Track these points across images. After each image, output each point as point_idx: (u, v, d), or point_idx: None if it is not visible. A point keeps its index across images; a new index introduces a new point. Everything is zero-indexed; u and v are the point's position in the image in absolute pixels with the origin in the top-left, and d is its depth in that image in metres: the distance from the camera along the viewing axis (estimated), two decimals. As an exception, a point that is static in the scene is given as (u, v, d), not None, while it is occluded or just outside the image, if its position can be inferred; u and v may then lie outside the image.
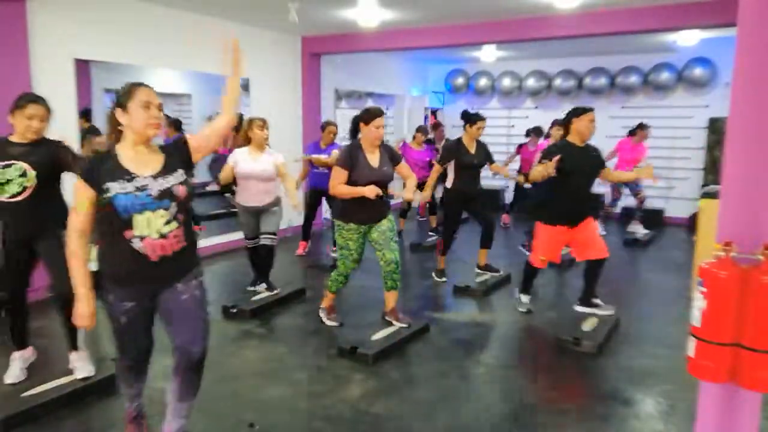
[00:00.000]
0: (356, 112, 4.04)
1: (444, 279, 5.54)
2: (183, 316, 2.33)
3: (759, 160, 1.91)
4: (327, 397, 3.24)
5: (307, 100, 7.82)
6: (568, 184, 4.07)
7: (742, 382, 1.87)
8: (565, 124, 4.25)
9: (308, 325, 4.39)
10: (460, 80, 10.30)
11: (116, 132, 2.26)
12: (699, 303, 1.89)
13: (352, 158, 3.84)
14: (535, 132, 7.77)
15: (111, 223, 2.17)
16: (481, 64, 10.07)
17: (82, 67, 5.50)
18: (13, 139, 3.09)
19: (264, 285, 4.87)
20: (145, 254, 2.19)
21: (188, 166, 2.34)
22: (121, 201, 2.13)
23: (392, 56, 9.41)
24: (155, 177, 2.21)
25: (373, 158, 3.90)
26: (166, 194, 2.20)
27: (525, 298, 4.66)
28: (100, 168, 2.18)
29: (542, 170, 3.93)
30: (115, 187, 2.14)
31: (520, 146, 7.87)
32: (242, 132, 4.68)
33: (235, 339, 4.10)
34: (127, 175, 2.18)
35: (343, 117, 10.51)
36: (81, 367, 3.25)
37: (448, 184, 5.30)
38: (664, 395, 3.28)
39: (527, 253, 5.19)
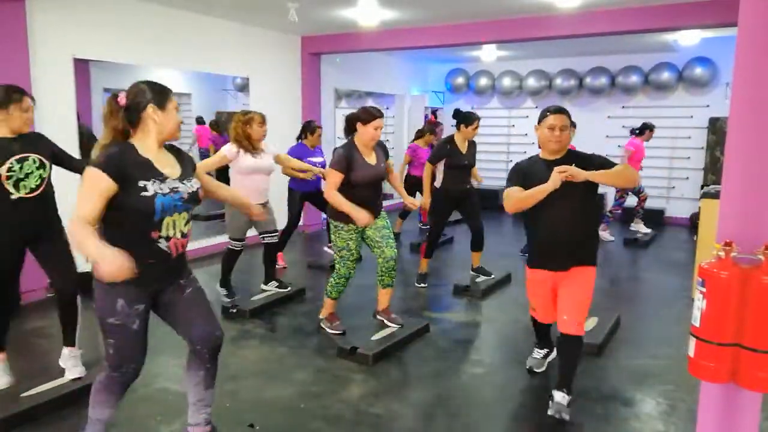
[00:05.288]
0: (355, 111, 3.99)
1: (424, 285, 5.35)
2: (195, 307, 2.38)
3: (759, 160, 1.90)
4: (327, 397, 3.24)
5: (307, 100, 7.82)
6: (538, 211, 2.94)
7: (742, 382, 1.86)
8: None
9: (308, 325, 4.38)
10: (461, 80, 10.30)
11: (126, 129, 2.19)
12: (699, 303, 1.88)
13: (349, 160, 3.76)
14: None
15: (134, 223, 2.13)
16: (482, 64, 10.07)
17: (82, 66, 5.50)
18: (1, 134, 2.96)
19: (274, 283, 4.93)
20: (168, 253, 2.22)
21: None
22: (160, 202, 2.13)
23: (392, 56, 9.41)
24: (181, 180, 2.24)
25: (370, 156, 3.87)
26: (192, 197, 2.27)
27: (536, 353, 3.60)
28: (126, 162, 2.10)
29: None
30: (152, 187, 2.12)
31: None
32: (237, 128, 4.41)
33: (235, 339, 4.10)
34: (160, 176, 2.17)
35: (343, 117, 10.55)
36: (73, 366, 3.25)
37: (437, 184, 5.15)
38: (664, 395, 3.27)
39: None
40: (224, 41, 6.56)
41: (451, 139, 5.11)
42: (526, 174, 2.97)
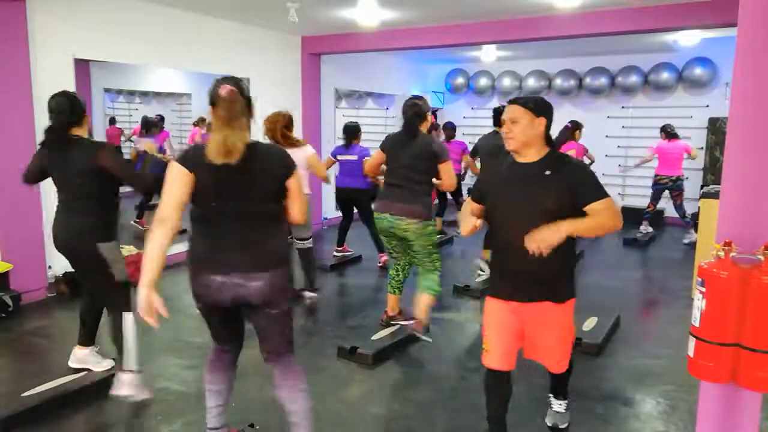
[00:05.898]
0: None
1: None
2: None
3: (759, 160, 1.91)
4: (327, 397, 3.23)
5: (307, 100, 7.82)
6: (494, 224, 2.49)
7: (742, 382, 1.86)
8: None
9: (308, 325, 4.38)
10: (460, 80, 10.29)
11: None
12: (699, 303, 1.88)
13: None
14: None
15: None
16: (481, 64, 10.06)
17: (82, 66, 5.50)
18: None
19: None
20: None
21: None
22: None
23: (392, 56, 9.40)
24: None
25: None
26: None
27: None
28: None
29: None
30: None
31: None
32: (279, 128, 4.42)
33: (235, 339, 4.09)
34: None
35: (343, 117, 10.54)
36: (99, 361, 3.29)
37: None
38: (664, 395, 3.28)
39: None
40: (224, 41, 6.56)
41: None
42: (492, 173, 2.57)
